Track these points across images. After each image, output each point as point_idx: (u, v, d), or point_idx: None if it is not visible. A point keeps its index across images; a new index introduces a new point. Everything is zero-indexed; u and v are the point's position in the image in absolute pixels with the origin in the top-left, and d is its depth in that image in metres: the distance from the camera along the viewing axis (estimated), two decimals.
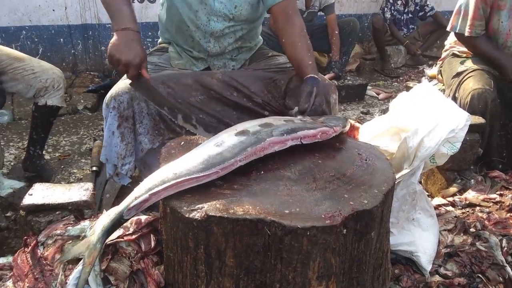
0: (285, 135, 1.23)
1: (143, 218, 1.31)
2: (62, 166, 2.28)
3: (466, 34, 2.38)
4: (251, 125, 1.26)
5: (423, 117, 1.56)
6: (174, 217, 1.08)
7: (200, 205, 1.04)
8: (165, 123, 1.66)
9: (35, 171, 2.36)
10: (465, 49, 2.55)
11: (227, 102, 1.71)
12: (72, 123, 3.30)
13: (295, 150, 1.30)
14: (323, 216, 1.03)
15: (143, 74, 1.42)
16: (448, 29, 2.54)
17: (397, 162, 1.59)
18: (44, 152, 2.67)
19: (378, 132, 1.66)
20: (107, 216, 1.07)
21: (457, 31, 2.44)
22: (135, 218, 1.32)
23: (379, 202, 1.11)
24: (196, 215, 1.02)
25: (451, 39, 2.67)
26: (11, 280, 1.25)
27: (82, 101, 3.61)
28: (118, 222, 1.07)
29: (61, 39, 4.30)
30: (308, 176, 1.19)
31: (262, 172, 1.19)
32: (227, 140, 1.18)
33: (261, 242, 1.02)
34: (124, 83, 1.59)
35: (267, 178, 1.16)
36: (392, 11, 5.01)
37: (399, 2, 5.00)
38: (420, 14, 5.17)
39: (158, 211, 1.32)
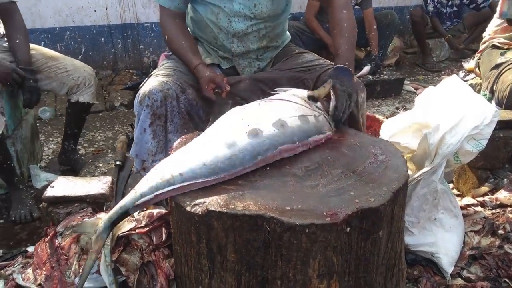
0: (297, 142, 1.21)
1: (155, 211, 1.34)
2: (90, 160, 2.37)
3: None
4: (264, 123, 1.21)
5: (447, 113, 1.49)
6: (179, 211, 1.10)
7: (202, 200, 1.05)
8: (194, 122, 1.68)
9: (69, 164, 2.47)
10: (506, 40, 2.40)
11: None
12: (109, 119, 3.43)
13: None
14: (324, 213, 1.00)
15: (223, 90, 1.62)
16: (497, 16, 2.41)
17: (418, 160, 1.54)
18: (79, 146, 2.80)
19: (400, 128, 1.60)
20: (113, 209, 1.10)
21: (508, 17, 2.31)
22: (147, 211, 1.35)
23: (386, 200, 1.07)
24: (198, 209, 1.03)
25: (490, 29, 2.52)
26: (31, 267, 1.32)
27: (119, 98, 3.74)
28: (123, 216, 1.10)
29: (102, 39, 4.46)
30: (315, 172, 1.17)
31: (268, 168, 1.18)
32: (238, 141, 1.14)
33: (261, 238, 1.01)
34: (157, 80, 1.61)
35: (273, 174, 1.15)
36: (436, 3, 4.79)
37: None
38: (472, 6, 4.90)
39: None
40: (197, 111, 1.67)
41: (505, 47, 2.40)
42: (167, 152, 1.66)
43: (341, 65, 1.47)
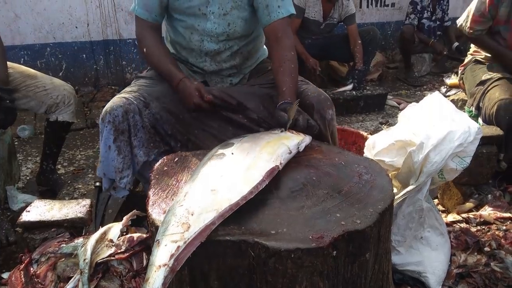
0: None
1: (136, 235, 1.30)
2: (69, 181, 2.31)
3: (467, 33, 2.43)
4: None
5: (431, 130, 1.48)
6: None
7: None
8: (160, 136, 1.66)
9: (48, 185, 2.40)
10: (488, 55, 2.43)
11: (222, 118, 1.68)
12: (90, 137, 3.36)
13: (289, 166, 1.26)
14: (310, 237, 0.98)
15: (208, 101, 1.56)
16: (457, 21, 2.53)
17: (403, 178, 1.53)
18: (59, 166, 2.73)
19: (384, 145, 1.59)
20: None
21: (459, 27, 2.47)
22: (127, 235, 1.30)
23: (373, 222, 1.05)
24: None
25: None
26: None
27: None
28: None
29: (84, 55, 4.42)
30: (300, 194, 1.14)
31: None
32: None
33: (245, 264, 0.98)
34: (118, 97, 1.61)
35: (256, 197, 1.12)
36: (420, 19, 4.90)
37: (428, 9, 4.87)
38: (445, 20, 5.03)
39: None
40: (161, 125, 1.65)
41: (487, 63, 2.42)
42: (134, 167, 1.63)
43: (286, 101, 1.48)
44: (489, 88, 2.22)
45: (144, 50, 1.69)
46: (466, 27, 2.39)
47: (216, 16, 1.66)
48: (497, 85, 2.19)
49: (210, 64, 1.76)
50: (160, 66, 1.67)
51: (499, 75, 2.26)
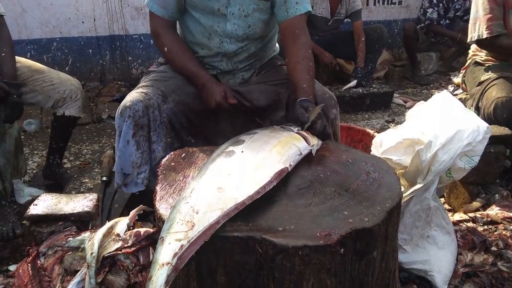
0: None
1: (142, 230, 1.30)
2: (75, 176, 2.31)
3: (486, 36, 2.24)
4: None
5: (439, 129, 1.47)
6: None
7: None
8: (175, 131, 1.66)
9: (54, 179, 2.41)
10: (487, 57, 2.43)
11: (234, 115, 1.69)
12: (96, 131, 3.37)
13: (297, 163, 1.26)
14: (318, 234, 0.98)
15: (230, 102, 1.60)
16: (468, 41, 2.41)
17: (410, 176, 1.52)
18: (65, 159, 2.74)
19: (392, 143, 1.58)
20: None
21: (476, 39, 2.32)
22: (134, 230, 1.31)
23: (381, 220, 1.04)
24: None
25: (474, 46, 2.55)
26: None
27: (106, 110, 3.69)
28: None
29: (90, 50, 4.42)
30: (308, 191, 1.14)
31: None
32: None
33: (252, 261, 0.98)
34: (136, 92, 1.59)
35: (264, 193, 1.12)
36: (437, 13, 4.83)
37: (440, 5, 4.82)
38: (465, 18, 4.94)
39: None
40: (179, 118, 1.65)
41: (486, 64, 2.42)
42: (151, 163, 1.62)
43: (306, 98, 1.50)
44: (487, 88, 2.22)
45: (165, 49, 1.68)
46: (483, 34, 2.24)
47: (236, 18, 1.65)
48: (495, 84, 2.19)
49: (226, 64, 1.76)
50: (184, 66, 1.67)
51: (496, 75, 2.25)
